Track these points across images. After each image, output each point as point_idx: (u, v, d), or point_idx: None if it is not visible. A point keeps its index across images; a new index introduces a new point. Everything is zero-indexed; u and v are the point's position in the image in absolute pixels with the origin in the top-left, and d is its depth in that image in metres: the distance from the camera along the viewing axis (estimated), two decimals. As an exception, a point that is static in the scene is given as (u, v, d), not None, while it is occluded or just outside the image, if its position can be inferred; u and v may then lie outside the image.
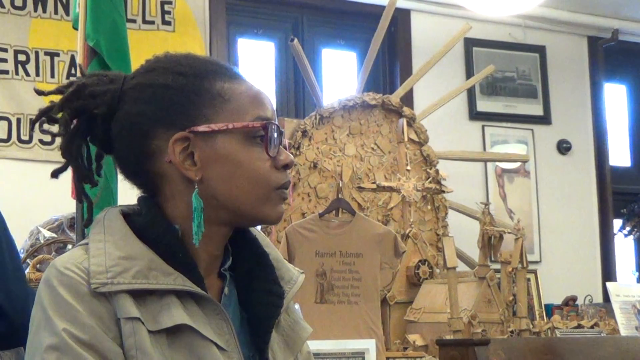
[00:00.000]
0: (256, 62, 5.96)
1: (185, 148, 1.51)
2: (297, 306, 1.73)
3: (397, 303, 4.45)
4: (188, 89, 1.52)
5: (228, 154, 1.51)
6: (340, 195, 4.53)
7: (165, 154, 1.51)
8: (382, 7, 5.20)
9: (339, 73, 6.16)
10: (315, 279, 4.21)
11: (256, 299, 1.59)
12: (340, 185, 4.63)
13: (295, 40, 4.80)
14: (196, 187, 1.51)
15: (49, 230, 3.94)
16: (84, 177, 1.59)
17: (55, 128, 1.59)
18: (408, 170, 4.72)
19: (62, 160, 1.59)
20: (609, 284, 4.90)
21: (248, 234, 1.65)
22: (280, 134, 1.56)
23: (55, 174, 1.60)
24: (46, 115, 1.58)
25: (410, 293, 4.49)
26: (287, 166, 1.56)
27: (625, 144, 7.10)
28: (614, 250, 6.60)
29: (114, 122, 1.55)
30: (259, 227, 1.74)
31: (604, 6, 6.49)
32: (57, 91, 1.60)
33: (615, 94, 7.10)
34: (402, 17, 6.05)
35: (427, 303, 4.38)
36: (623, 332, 4.52)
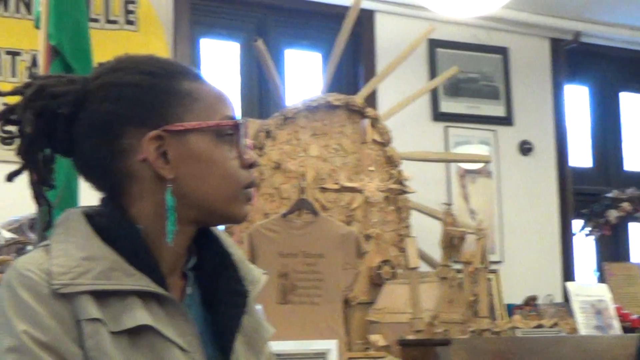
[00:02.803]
0: (220, 62, 5.95)
1: (159, 147, 1.51)
2: (259, 307, 1.74)
3: (360, 304, 4.46)
4: (158, 88, 1.53)
5: (201, 153, 1.53)
6: (303, 196, 4.53)
7: (137, 152, 1.51)
8: (347, 8, 5.22)
9: (304, 74, 6.16)
10: (277, 279, 4.22)
11: (220, 299, 1.60)
12: (304, 185, 4.64)
13: (259, 40, 4.80)
14: (169, 185, 1.52)
15: (9, 231, 3.92)
16: (43, 180, 1.59)
17: (13, 129, 1.58)
18: (371, 170, 4.74)
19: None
20: (568, 284, 4.95)
21: (211, 234, 1.65)
22: (245, 133, 1.58)
23: (10, 178, 1.59)
24: (6, 117, 1.57)
25: (373, 293, 4.51)
26: (252, 165, 1.58)
27: (586, 145, 7.16)
28: (574, 250, 6.66)
29: (78, 123, 1.54)
30: (222, 228, 1.75)
31: (566, 8, 6.54)
32: (15, 92, 1.59)
33: (577, 95, 7.15)
34: (366, 18, 6.06)
35: (389, 303, 4.40)
36: (582, 331, 4.56)
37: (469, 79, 6.39)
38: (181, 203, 1.52)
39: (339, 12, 5.51)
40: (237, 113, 1.61)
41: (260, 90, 5.99)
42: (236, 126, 1.56)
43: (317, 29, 6.18)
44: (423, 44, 5.98)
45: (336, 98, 5.02)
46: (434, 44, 6.25)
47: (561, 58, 6.75)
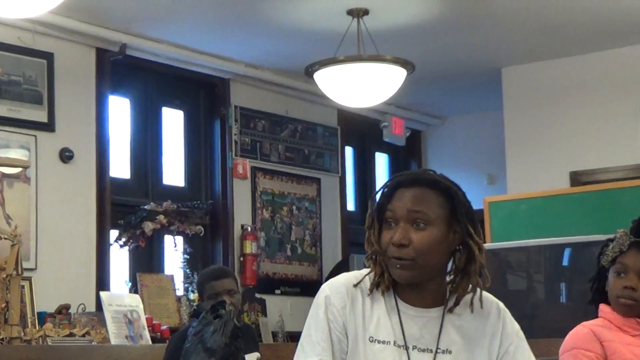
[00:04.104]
0: None
1: None
2: None
3: None
4: None
5: None
6: None
7: None
8: None
9: None
10: None
11: None
12: None
13: None
14: None
15: None
16: None
17: None
18: None
19: None
20: (102, 294, 5.00)
21: None
22: None
23: None
24: None
25: None
26: None
27: (126, 156, 7.25)
28: (110, 260, 6.71)
29: None
30: None
31: (113, 20, 6.59)
32: None
33: (119, 107, 7.23)
34: None
35: None
36: (114, 340, 4.62)
37: (12, 82, 6.24)
38: None
39: None
40: None
41: None
42: None
43: None
44: (-36, 41, 5.76)
45: None
46: (-21, 43, 6.04)
47: (106, 69, 6.80)
